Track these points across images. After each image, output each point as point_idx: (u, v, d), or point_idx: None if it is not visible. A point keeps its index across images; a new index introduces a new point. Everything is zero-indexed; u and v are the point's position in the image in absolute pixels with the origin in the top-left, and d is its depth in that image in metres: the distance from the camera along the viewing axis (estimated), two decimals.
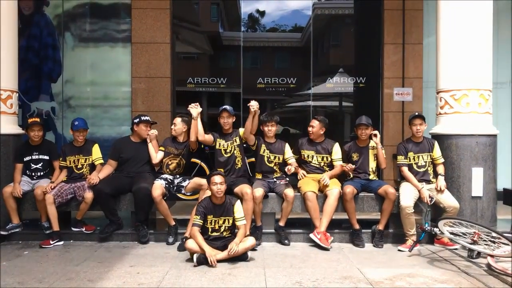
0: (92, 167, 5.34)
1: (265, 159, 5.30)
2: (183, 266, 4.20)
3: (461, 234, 4.37)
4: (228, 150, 5.26)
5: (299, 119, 8.47)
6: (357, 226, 5.07)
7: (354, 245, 5.02)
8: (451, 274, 4.03)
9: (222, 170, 4.99)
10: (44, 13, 7.87)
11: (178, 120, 5.37)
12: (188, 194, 5.21)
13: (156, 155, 5.32)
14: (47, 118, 7.76)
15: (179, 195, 5.24)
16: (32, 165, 5.29)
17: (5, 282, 3.74)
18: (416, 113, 5.26)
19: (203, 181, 5.03)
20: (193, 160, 5.65)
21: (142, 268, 4.12)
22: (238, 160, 5.28)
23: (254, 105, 4.98)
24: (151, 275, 3.93)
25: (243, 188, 4.90)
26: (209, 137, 5.26)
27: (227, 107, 5.28)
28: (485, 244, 4.22)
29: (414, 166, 5.11)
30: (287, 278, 3.88)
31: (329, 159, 5.34)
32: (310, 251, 4.78)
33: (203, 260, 4.17)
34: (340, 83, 8.03)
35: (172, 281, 3.77)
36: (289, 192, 4.99)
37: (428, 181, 5.07)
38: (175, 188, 5.20)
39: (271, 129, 5.28)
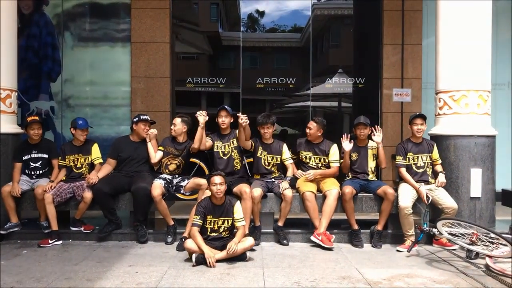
0: (91, 166, 5.34)
1: (262, 161, 5.30)
2: (181, 266, 4.20)
3: (460, 235, 4.37)
4: (226, 152, 5.26)
5: (298, 119, 8.48)
6: (355, 227, 5.07)
7: (352, 246, 5.02)
8: (449, 274, 4.03)
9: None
10: (43, 13, 7.87)
11: (178, 121, 5.36)
12: (187, 194, 5.21)
13: (155, 154, 5.31)
14: (46, 117, 7.76)
15: (178, 194, 5.24)
16: (31, 164, 5.28)
17: (3, 281, 3.74)
18: (417, 113, 5.27)
19: (202, 181, 5.03)
20: (192, 160, 5.66)
21: (141, 268, 4.12)
22: (236, 162, 5.28)
23: (244, 118, 4.94)
24: (150, 274, 3.93)
25: (242, 187, 4.91)
26: (209, 144, 5.26)
27: (225, 106, 5.27)
28: (483, 244, 4.23)
29: (413, 167, 5.12)
30: (286, 278, 3.88)
31: (327, 160, 5.33)
32: (308, 251, 4.79)
33: (202, 260, 4.17)
34: (339, 83, 8.04)
35: (171, 281, 3.77)
36: (288, 192, 4.99)
37: (427, 182, 5.07)
38: (174, 188, 5.19)
39: (267, 131, 5.27)
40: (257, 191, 4.91)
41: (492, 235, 4.14)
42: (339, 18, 8.72)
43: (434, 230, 4.51)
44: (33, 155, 5.29)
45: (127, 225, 5.31)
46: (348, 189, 4.98)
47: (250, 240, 4.42)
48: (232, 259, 4.28)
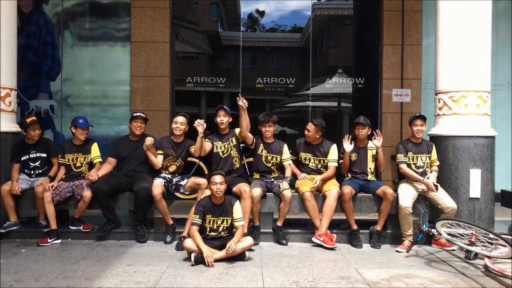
0: (91, 165, 5.34)
1: (263, 158, 5.30)
2: (180, 265, 4.20)
3: (459, 235, 4.37)
4: (225, 151, 5.26)
5: (298, 119, 8.48)
6: (355, 227, 5.07)
7: (352, 246, 5.02)
8: (448, 275, 4.03)
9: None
10: (43, 12, 7.87)
11: (181, 119, 5.30)
12: (186, 193, 5.21)
13: (158, 161, 5.23)
14: (45, 116, 7.76)
15: (177, 194, 5.23)
16: (31, 164, 5.28)
17: (2, 280, 3.74)
18: (418, 114, 5.27)
19: (202, 181, 5.03)
20: (191, 159, 5.65)
21: (140, 267, 4.12)
22: (236, 160, 5.28)
23: (244, 100, 4.93)
24: (149, 274, 3.93)
25: (241, 187, 4.91)
26: (209, 147, 5.24)
27: (223, 105, 5.27)
28: (482, 245, 4.23)
29: (413, 166, 5.12)
30: (285, 278, 3.88)
31: (326, 161, 5.31)
32: (307, 251, 4.79)
33: (201, 260, 4.16)
34: (339, 83, 8.05)
35: (170, 280, 3.76)
36: (287, 192, 4.99)
37: None
38: (173, 187, 5.19)
39: (268, 130, 5.27)
40: (257, 191, 4.91)
41: (491, 235, 4.14)
42: (339, 18, 8.73)
43: (433, 230, 4.51)
44: (31, 155, 5.29)
45: (126, 224, 5.31)
46: (348, 189, 4.98)
47: (249, 240, 4.41)
48: (231, 259, 4.28)
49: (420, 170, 5.09)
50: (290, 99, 8.26)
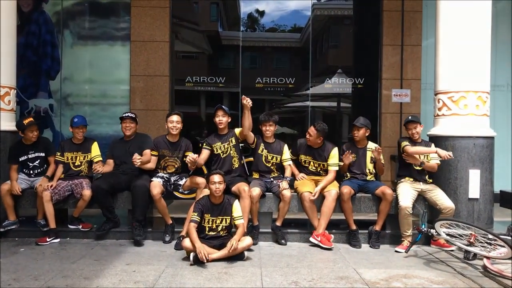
0: (90, 164, 5.32)
1: (263, 158, 5.30)
2: (179, 264, 4.20)
3: (458, 236, 4.38)
4: (224, 151, 5.25)
5: (297, 119, 8.48)
6: (354, 227, 5.07)
7: (350, 246, 5.02)
8: (447, 275, 4.04)
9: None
10: (43, 11, 7.86)
11: (176, 118, 5.27)
12: (185, 192, 5.20)
13: (152, 164, 5.23)
14: (45, 115, 7.75)
15: (176, 193, 5.22)
16: (30, 164, 5.28)
17: (1, 279, 3.73)
18: (410, 117, 5.24)
19: (200, 180, 5.03)
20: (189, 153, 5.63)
21: (139, 267, 4.12)
22: (235, 160, 5.27)
23: (248, 99, 4.92)
24: (148, 273, 3.92)
25: (241, 186, 4.91)
26: (207, 156, 5.24)
27: (222, 105, 5.26)
28: (481, 246, 4.23)
29: (412, 164, 5.11)
30: (283, 277, 3.88)
31: (326, 166, 5.28)
32: (306, 251, 4.79)
33: (199, 259, 4.16)
34: (339, 83, 8.05)
35: (168, 280, 3.76)
36: (286, 192, 4.99)
37: (425, 181, 5.09)
38: (172, 186, 5.19)
39: (269, 129, 5.27)
40: (256, 191, 4.91)
41: (490, 236, 4.15)
42: (339, 19, 8.74)
43: (432, 230, 4.51)
44: (30, 155, 5.28)
45: (125, 223, 5.30)
46: (346, 189, 4.98)
47: (248, 240, 4.41)
48: (230, 259, 4.28)
49: (419, 168, 5.09)
50: (289, 99, 8.26)
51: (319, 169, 5.31)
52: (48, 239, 4.89)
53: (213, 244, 4.34)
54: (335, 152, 5.26)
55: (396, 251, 4.80)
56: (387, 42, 7.67)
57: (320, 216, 4.99)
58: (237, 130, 5.27)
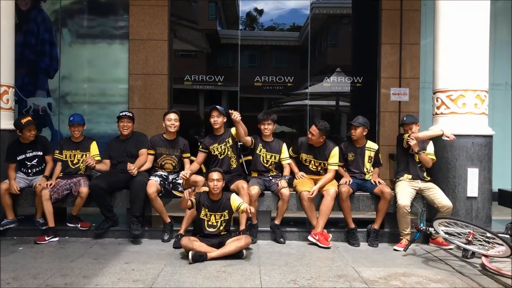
0: None
1: (261, 158, 5.30)
2: (178, 263, 4.20)
3: (456, 234, 4.38)
4: (221, 151, 5.25)
5: (296, 118, 8.48)
6: (352, 225, 5.07)
7: (349, 244, 5.02)
8: (445, 273, 4.04)
9: None
10: (41, 9, 7.84)
11: (174, 116, 5.28)
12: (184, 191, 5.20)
13: (147, 164, 5.26)
14: (43, 114, 7.74)
15: (175, 192, 5.21)
16: (28, 163, 5.27)
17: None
18: (405, 118, 5.27)
19: (198, 178, 5.04)
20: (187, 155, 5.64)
21: (137, 265, 4.12)
22: (232, 160, 5.27)
23: (236, 114, 4.88)
24: (146, 272, 3.92)
25: (239, 183, 4.94)
26: (203, 159, 5.30)
27: (217, 106, 5.25)
28: (479, 244, 4.24)
29: (411, 159, 5.12)
30: (282, 276, 3.88)
31: (326, 165, 5.27)
32: (305, 250, 4.79)
33: (198, 258, 4.17)
34: (337, 82, 8.05)
35: (167, 278, 3.76)
36: (285, 191, 4.99)
37: (423, 178, 5.10)
38: (170, 185, 5.19)
39: (267, 128, 5.27)
40: (254, 189, 4.91)
41: (488, 234, 4.16)
42: (338, 17, 8.73)
43: (431, 229, 4.52)
44: (28, 154, 5.27)
45: (123, 222, 5.29)
46: (345, 188, 4.99)
47: (247, 239, 4.41)
48: (229, 257, 4.28)
49: (418, 165, 5.11)
50: (288, 97, 8.27)
51: (319, 168, 5.31)
52: (46, 238, 4.89)
53: (211, 242, 4.35)
54: (335, 151, 5.25)
55: (394, 250, 4.81)
56: (386, 41, 7.67)
57: (318, 215, 4.99)
58: (233, 130, 5.25)
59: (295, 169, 5.38)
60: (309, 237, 4.95)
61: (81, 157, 5.30)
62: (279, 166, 5.38)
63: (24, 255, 4.44)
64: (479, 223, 4.91)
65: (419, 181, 5.06)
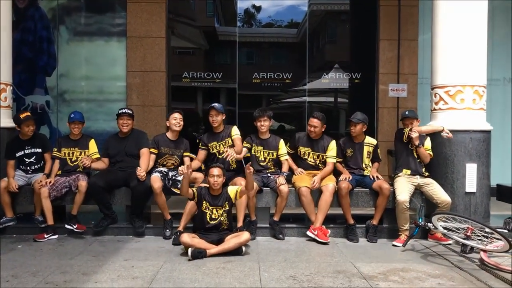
0: None
1: (257, 158, 5.31)
2: (177, 260, 4.21)
3: (455, 229, 4.40)
4: (221, 151, 5.25)
5: (295, 114, 8.48)
6: (351, 221, 5.08)
7: (348, 240, 5.03)
8: (444, 268, 4.05)
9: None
10: (38, 6, 7.82)
11: (179, 115, 5.28)
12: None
13: (150, 163, 5.24)
14: (41, 112, 7.73)
15: (175, 190, 5.19)
16: (26, 160, 5.26)
17: None
18: (406, 112, 5.26)
19: (198, 175, 5.05)
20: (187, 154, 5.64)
21: (137, 262, 4.12)
22: (232, 161, 5.28)
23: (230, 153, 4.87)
24: (146, 269, 3.93)
25: (238, 180, 4.95)
26: (204, 157, 5.31)
27: (216, 104, 5.24)
28: (478, 239, 4.25)
29: (410, 153, 5.13)
30: (281, 272, 3.89)
31: (325, 157, 5.31)
32: (304, 246, 4.80)
33: (197, 254, 4.17)
34: (336, 79, 8.05)
35: (167, 275, 3.77)
36: (284, 187, 5.00)
37: (422, 174, 5.11)
38: (170, 182, 5.19)
39: (263, 124, 5.26)
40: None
41: (487, 229, 4.17)
42: (336, 14, 8.72)
43: (429, 224, 4.53)
44: (26, 151, 5.26)
45: (123, 219, 5.30)
46: (344, 184, 4.99)
47: (246, 235, 4.42)
48: (228, 254, 4.29)
49: (417, 161, 5.12)
50: (286, 94, 8.26)
51: (318, 161, 5.32)
52: (46, 236, 4.89)
53: (211, 239, 4.36)
54: (333, 144, 5.30)
55: (393, 245, 4.82)
56: (384, 37, 7.67)
57: (317, 210, 5.00)
58: (233, 130, 5.28)
59: (294, 166, 5.38)
60: (308, 232, 4.96)
61: (80, 154, 5.29)
62: (277, 163, 5.38)
63: (23, 253, 4.44)
64: (478, 218, 4.94)
65: (418, 176, 5.07)
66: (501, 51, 7.79)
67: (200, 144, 5.34)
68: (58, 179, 5.07)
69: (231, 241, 4.33)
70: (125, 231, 5.11)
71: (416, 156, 5.11)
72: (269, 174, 5.26)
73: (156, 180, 4.94)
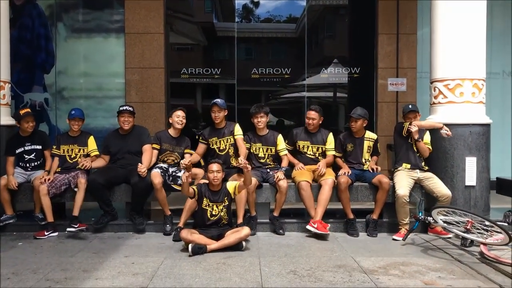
0: (86, 158, 5.30)
1: (255, 156, 5.32)
2: (178, 256, 4.21)
3: (455, 223, 4.40)
4: (221, 148, 5.25)
5: (294, 109, 8.48)
6: (351, 216, 5.09)
7: (348, 234, 5.04)
8: (444, 262, 4.06)
9: None
10: (36, 3, 7.77)
11: (182, 113, 5.28)
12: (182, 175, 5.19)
13: (152, 159, 5.24)
14: (40, 109, 7.71)
15: (175, 186, 5.18)
16: (26, 156, 5.25)
17: None
18: (410, 106, 5.25)
19: (198, 171, 5.06)
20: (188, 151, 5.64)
21: (137, 258, 4.13)
22: (232, 159, 5.28)
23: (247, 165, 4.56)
24: (146, 265, 3.93)
25: (237, 176, 4.96)
26: (203, 151, 5.34)
27: (218, 100, 5.24)
28: (478, 232, 4.26)
29: (409, 146, 5.13)
30: (282, 267, 3.89)
31: (323, 149, 5.35)
32: (304, 241, 4.80)
33: (198, 250, 4.18)
34: (335, 73, 8.03)
35: (167, 271, 3.77)
36: (283, 182, 5.00)
37: (421, 168, 5.11)
38: (170, 178, 5.18)
39: (260, 121, 5.26)
40: (252, 181, 4.90)
41: (487, 222, 4.18)
42: (334, 8, 8.69)
43: (429, 218, 4.53)
44: (26, 148, 5.26)
45: (123, 216, 5.30)
46: (344, 179, 5.00)
47: (246, 230, 4.43)
48: (229, 249, 4.29)
49: (417, 155, 5.12)
50: (285, 89, 8.25)
51: (317, 154, 5.35)
52: (46, 233, 4.89)
53: (211, 234, 4.37)
54: (332, 137, 5.38)
55: (393, 239, 4.82)
56: (383, 31, 7.64)
57: (317, 205, 5.00)
58: (236, 128, 5.28)
59: (294, 161, 5.38)
60: (308, 226, 4.95)
61: (79, 151, 5.29)
62: (277, 158, 5.38)
63: (23, 250, 4.44)
64: (478, 211, 4.95)
65: (417, 170, 5.07)
66: (500, 44, 7.78)
67: (200, 138, 5.34)
68: (57, 176, 5.07)
69: (231, 236, 4.34)
70: (125, 227, 5.11)
71: (415, 150, 5.11)
72: (268, 170, 5.26)
73: (156, 176, 4.94)
